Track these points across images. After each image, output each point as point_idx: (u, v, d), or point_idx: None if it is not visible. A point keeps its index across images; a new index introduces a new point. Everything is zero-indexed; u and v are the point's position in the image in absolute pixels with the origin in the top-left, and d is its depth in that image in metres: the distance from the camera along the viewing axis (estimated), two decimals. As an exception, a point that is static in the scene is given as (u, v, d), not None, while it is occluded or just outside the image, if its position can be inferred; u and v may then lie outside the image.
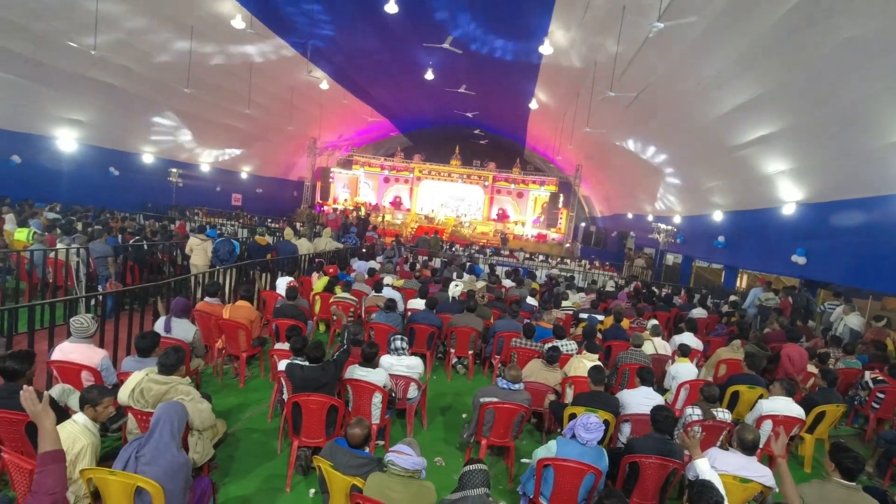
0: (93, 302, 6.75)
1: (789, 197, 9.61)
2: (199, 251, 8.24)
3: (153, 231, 10.39)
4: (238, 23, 10.84)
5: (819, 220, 9.14)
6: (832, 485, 2.94)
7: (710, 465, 3.18)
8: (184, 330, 4.87)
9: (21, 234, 8.30)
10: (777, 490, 3.34)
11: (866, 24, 5.68)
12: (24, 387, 2.30)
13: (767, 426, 4.44)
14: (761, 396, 4.97)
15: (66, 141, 13.31)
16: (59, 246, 7.43)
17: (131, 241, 8.71)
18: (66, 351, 3.90)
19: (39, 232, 8.10)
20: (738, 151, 9.79)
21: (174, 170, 16.82)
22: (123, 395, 3.32)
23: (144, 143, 16.09)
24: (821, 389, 5.20)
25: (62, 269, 7.09)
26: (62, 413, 3.23)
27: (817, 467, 5.07)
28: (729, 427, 4.14)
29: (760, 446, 3.42)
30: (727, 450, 3.49)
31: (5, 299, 6.66)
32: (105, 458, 3.06)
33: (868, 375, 6.00)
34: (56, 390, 3.54)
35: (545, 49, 10.86)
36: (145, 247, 8.70)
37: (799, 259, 9.78)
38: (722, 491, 2.68)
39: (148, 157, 16.40)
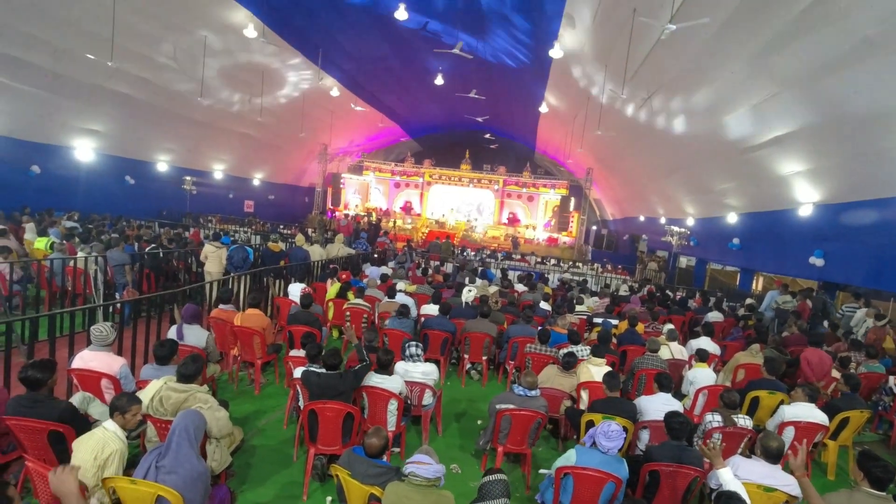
0: (111, 309, 6.84)
1: (806, 198, 9.46)
2: (213, 258, 8.30)
3: (169, 239, 10.52)
4: (250, 32, 10.99)
5: (837, 221, 8.99)
6: (861, 494, 2.87)
7: (734, 474, 3.13)
8: (196, 336, 4.91)
9: (40, 244, 8.44)
10: (801, 499, 3.27)
11: (884, 21, 5.59)
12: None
13: (789, 433, 4.35)
14: (782, 402, 4.88)
15: (84, 151, 13.56)
16: (78, 254, 7.55)
17: (147, 249, 8.82)
18: (86, 359, 3.94)
19: (59, 241, 8.24)
20: (753, 152, 9.67)
21: (188, 177, 17.04)
22: (143, 404, 3.34)
23: (159, 152, 16.35)
24: (844, 395, 5.09)
25: (81, 278, 7.20)
26: (85, 422, 3.27)
27: (841, 475, 4.96)
28: (750, 434, 4.06)
29: (785, 453, 3.35)
30: (749, 457, 3.43)
31: (26, 308, 6.78)
32: (126, 466, 3.08)
33: (892, 381, 5.87)
34: (77, 398, 3.58)
35: (555, 52, 10.84)
36: (161, 254, 8.80)
37: (817, 261, 9.62)
38: (748, 501, 2.63)
39: (162, 166, 16.64)
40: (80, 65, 10.92)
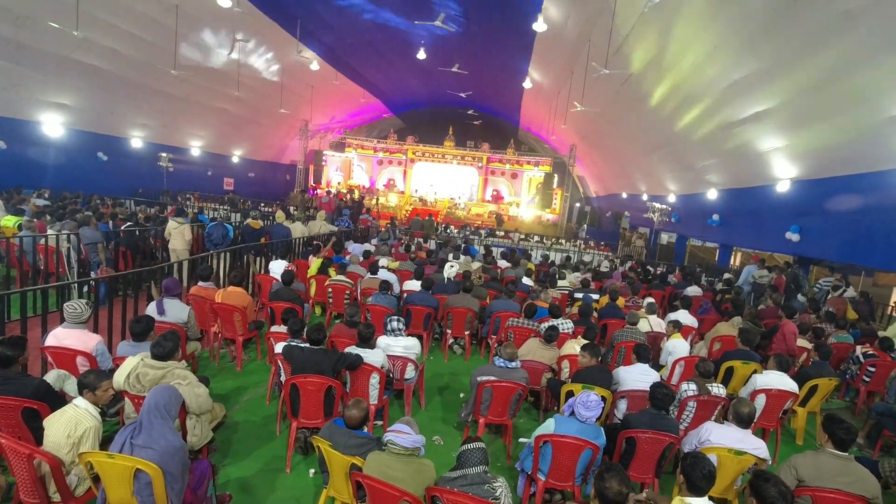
0: (85, 288, 6.69)
1: (784, 174, 9.60)
2: (176, 234, 8.12)
3: (147, 217, 10.27)
4: (225, 1, 10.56)
5: (814, 197, 9.15)
6: (825, 455, 2.99)
7: (707, 438, 3.24)
8: (178, 309, 4.85)
9: (8, 221, 8.16)
10: (770, 462, 3.40)
11: (865, -5, 5.60)
12: None
13: (761, 400, 4.50)
14: (755, 371, 5.03)
15: (52, 126, 13.03)
16: (49, 232, 7.33)
17: (123, 227, 8.60)
18: (61, 337, 3.86)
19: (28, 219, 7.98)
20: (734, 128, 9.74)
21: (164, 154, 16.55)
22: (119, 380, 3.30)
23: (133, 127, 15.80)
24: (814, 363, 5.27)
25: (53, 256, 7.00)
26: (59, 399, 3.22)
27: (809, 440, 5.17)
28: (724, 402, 4.19)
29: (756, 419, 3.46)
30: (722, 423, 3.54)
31: (-4, 287, 6.60)
32: (103, 442, 3.05)
33: (859, 350, 6.09)
34: (52, 376, 3.52)
35: (539, 26, 10.66)
36: (137, 232, 8.60)
37: (793, 236, 9.83)
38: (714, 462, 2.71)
39: (137, 142, 16.12)
40: (44, 34, 10.40)
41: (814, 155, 8.74)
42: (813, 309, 8.13)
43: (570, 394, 4.14)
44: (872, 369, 5.76)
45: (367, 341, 4.27)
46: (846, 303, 8.14)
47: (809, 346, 6.14)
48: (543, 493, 3.46)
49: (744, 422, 3.35)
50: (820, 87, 7.32)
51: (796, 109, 8.15)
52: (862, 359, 5.94)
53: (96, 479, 2.69)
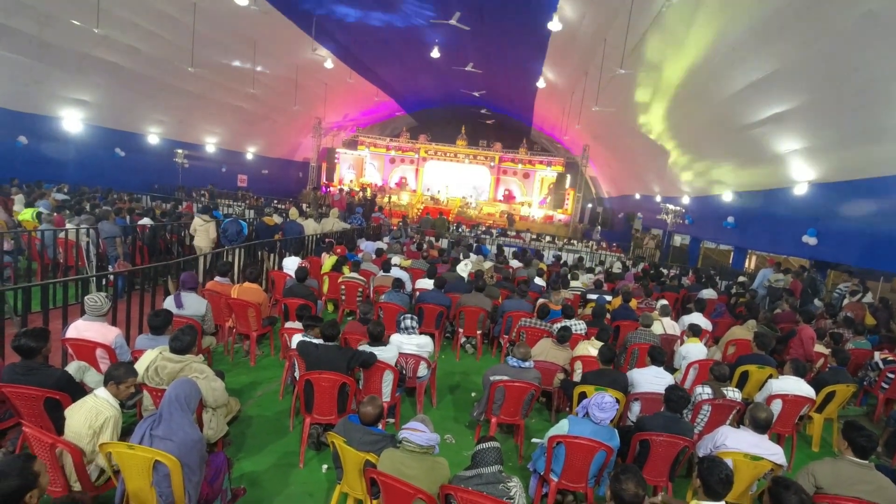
0: (104, 281, 6.80)
1: (802, 177, 9.46)
2: (201, 232, 8.19)
3: (163, 213, 10.40)
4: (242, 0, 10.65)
5: (832, 200, 9.01)
6: (844, 462, 2.95)
7: (722, 443, 3.21)
8: (196, 302, 4.92)
9: (26, 214, 8.32)
10: (787, 468, 3.36)
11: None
12: None
13: (777, 405, 4.44)
14: (770, 376, 4.97)
15: (72, 121, 13.27)
16: (68, 226, 7.46)
17: (140, 222, 8.73)
18: (81, 329, 3.93)
19: (47, 212, 8.12)
20: (751, 130, 9.62)
21: (180, 150, 16.77)
22: (139, 373, 3.35)
23: (150, 124, 16.03)
24: (831, 369, 5.19)
25: (73, 250, 7.13)
26: (80, 390, 3.28)
27: (825, 447, 5.10)
28: (739, 406, 4.14)
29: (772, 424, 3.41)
30: (738, 428, 3.50)
31: (18, 279, 6.73)
32: (122, 433, 3.10)
33: (878, 356, 5.97)
34: (72, 367, 3.59)
35: (554, 25, 10.60)
36: (157, 228, 8.72)
37: (810, 240, 9.68)
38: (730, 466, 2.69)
39: (153, 138, 16.34)
40: (66, 31, 10.59)
41: (833, 158, 8.60)
42: (830, 314, 8.00)
43: (583, 395, 4.13)
44: (892, 376, 5.66)
45: (378, 339, 4.29)
46: (864, 308, 8.00)
47: (827, 351, 6.04)
48: (556, 494, 3.45)
49: (761, 427, 3.31)
50: (840, 89, 7.20)
51: (815, 111, 8.03)
52: (881, 365, 5.82)
53: (116, 469, 2.74)
